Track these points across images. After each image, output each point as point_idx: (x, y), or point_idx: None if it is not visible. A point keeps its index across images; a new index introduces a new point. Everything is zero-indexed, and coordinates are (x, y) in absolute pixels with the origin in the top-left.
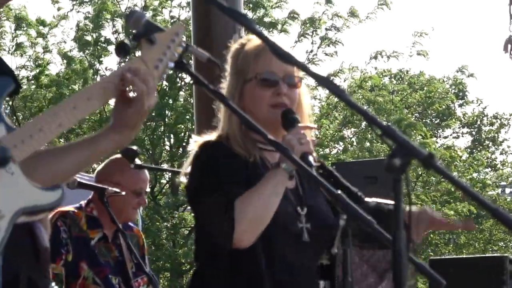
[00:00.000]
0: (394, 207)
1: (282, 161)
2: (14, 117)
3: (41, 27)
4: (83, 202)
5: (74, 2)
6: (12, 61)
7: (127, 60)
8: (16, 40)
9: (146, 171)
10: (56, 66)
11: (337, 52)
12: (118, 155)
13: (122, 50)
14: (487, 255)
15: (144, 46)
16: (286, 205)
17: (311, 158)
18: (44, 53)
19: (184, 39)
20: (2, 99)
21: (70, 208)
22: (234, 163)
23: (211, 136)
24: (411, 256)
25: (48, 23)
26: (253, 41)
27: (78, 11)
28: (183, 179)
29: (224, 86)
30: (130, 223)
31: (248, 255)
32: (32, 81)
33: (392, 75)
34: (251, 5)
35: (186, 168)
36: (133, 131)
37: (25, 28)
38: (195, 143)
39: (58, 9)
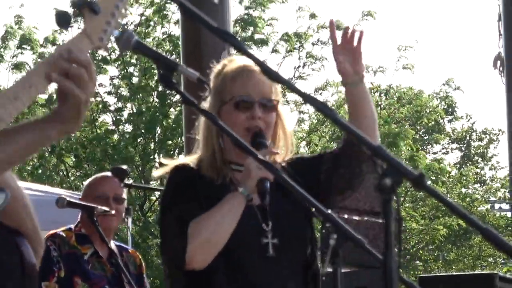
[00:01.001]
0: (384, 227)
1: (241, 185)
2: None
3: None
4: (72, 225)
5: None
6: (10, 79)
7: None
8: (16, 59)
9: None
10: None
11: (324, 66)
12: (106, 173)
13: (63, 20)
14: (477, 272)
15: (86, 16)
16: (249, 221)
17: (267, 185)
18: None
19: (174, 56)
20: None
21: (59, 230)
22: (197, 186)
23: (187, 159)
24: (401, 275)
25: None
26: (233, 63)
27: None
28: None
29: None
30: (124, 245)
31: (208, 275)
32: None
33: (382, 91)
34: (242, 23)
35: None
36: (79, 119)
37: (28, 49)
38: (164, 166)
39: None
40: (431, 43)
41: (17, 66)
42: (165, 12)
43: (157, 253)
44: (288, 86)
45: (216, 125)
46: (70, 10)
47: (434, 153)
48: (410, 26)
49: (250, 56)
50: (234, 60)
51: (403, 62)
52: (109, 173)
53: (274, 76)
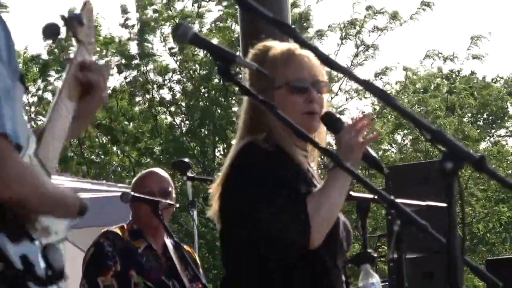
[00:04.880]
0: (448, 211)
1: (345, 160)
2: None
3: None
4: (124, 224)
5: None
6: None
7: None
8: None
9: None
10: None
11: (377, 54)
12: (151, 169)
13: (52, 32)
14: None
15: (77, 28)
16: None
17: (373, 152)
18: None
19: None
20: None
21: (112, 227)
22: (290, 167)
23: (253, 139)
24: (466, 259)
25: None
26: (278, 47)
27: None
28: (215, 188)
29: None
30: (179, 242)
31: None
32: None
33: (444, 76)
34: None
35: (227, 171)
36: (92, 117)
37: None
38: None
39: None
40: (495, 28)
41: None
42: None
43: None
44: (348, 75)
45: (276, 115)
46: (58, 22)
47: (500, 136)
48: (482, 14)
49: (311, 48)
50: (276, 46)
51: (475, 52)
52: (155, 169)
53: (335, 66)
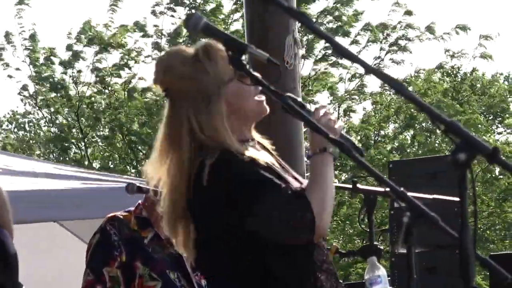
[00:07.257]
0: (460, 203)
1: (327, 145)
2: (78, 123)
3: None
4: (132, 208)
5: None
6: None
7: None
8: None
9: None
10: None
11: (404, 61)
12: None
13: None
14: None
15: None
16: None
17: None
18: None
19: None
20: None
21: (118, 213)
22: (258, 163)
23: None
24: (477, 253)
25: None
26: (217, 45)
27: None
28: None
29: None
30: None
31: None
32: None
33: (445, 72)
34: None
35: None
36: None
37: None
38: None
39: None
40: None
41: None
42: None
43: None
44: (364, 66)
45: (287, 106)
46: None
47: (499, 133)
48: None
49: (322, 35)
50: (214, 44)
51: (481, 51)
52: None
53: (350, 56)
